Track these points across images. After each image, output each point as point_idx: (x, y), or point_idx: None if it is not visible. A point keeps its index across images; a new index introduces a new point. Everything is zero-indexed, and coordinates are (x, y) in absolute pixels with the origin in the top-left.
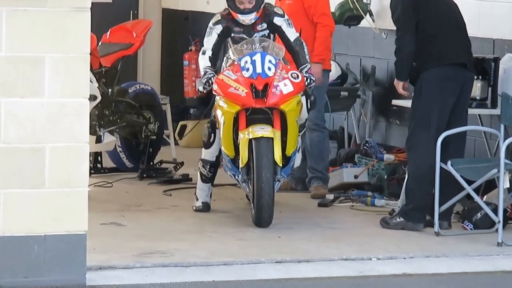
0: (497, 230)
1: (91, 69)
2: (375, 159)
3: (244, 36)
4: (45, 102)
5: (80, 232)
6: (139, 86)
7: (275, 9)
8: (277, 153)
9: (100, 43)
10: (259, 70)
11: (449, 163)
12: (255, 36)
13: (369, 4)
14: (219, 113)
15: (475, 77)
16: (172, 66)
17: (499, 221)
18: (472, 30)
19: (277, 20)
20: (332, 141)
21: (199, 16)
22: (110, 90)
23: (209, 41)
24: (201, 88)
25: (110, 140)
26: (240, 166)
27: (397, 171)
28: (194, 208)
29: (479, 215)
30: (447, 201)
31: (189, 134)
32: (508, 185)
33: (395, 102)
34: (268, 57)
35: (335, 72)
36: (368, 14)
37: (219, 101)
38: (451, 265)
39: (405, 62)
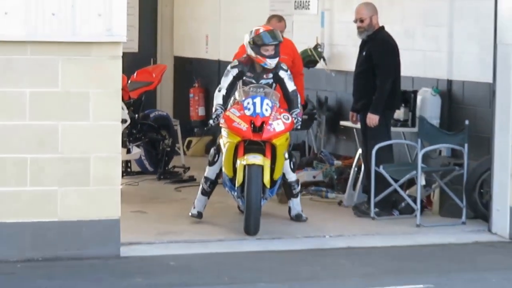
0: (416, 215)
1: (122, 100)
2: (328, 164)
3: (253, 81)
4: (90, 124)
5: (115, 218)
6: (158, 112)
7: (281, 65)
8: (266, 177)
9: (129, 81)
10: (258, 110)
11: (381, 167)
12: (261, 83)
13: (323, 51)
14: (223, 141)
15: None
16: (181, 98)
17: (417, 209)
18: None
19: (281, 73)
20: (296, 151)
21: (200, 61)
22: (136, 115)
23: (226, 81)
24: (211, 122)
25: (136, 152)
26: (236, 185)
27: (344, 173)
28: (190, 214)
29: (403, 204)
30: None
31: (193, 146)
32: (424, 183)
33: (342, 123)
34: (266, 101)
35: None
36: (322, 59)
37: (224, 132)
38: (383, 240)
39: (384, 101)
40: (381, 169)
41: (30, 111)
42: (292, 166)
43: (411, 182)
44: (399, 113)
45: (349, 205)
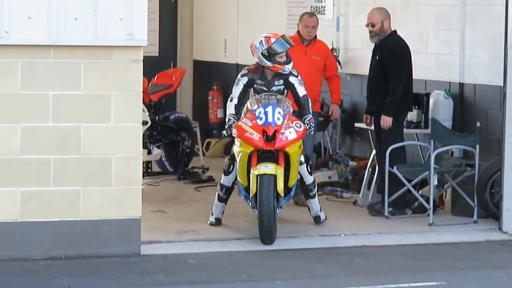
0: (428, 214)
1: (143, 103)
2: (343, 165)
3: (264, 88)
4: (111, 126)
5: (136, 217)
6: (178, 114)
7: (291, 71)
8: (279, 186)
9: (150, 84)
10: (270, 119)
11: (395, 167)
12: (272, 90)
13: (338, 55)
14: (237, 151)
15: (414, 106)
16: (201, 100)
17: (430, 208)
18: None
19: (292, 79)
20: (313, 153)
21: (219, 65)
22: (157, 117)
23: (237, 90)
24: (224, 133)
25: (157, 153)
26: (251, 195)
27: (359, 173)
28: (209, 222)
29: (416, 204)
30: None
31: (212, 148)
32: (436, 183)
33: (357, 125)
34: (278, 109)
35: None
36: (337, 63)
37: (237, 141)
38: (397, 239)
39: (396, 104)
40: (395, 170)
41: (53, 113)
42: (309, 169)
43: (424, 182)
44: (412, 115)
45: (364, 205)
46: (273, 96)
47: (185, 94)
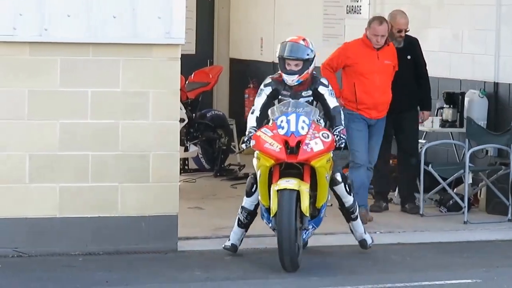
0: (463, 212)
1: (181, 100)
2: None
3: (290, 99)
4: (150, 123)
5: (173, 213)
6: (214, 112)
7: (321, 79)
8: (304, 204)
9: (187, 82)
10: (292, 128)
11: (430, 166)
12: (300, 101)
13: None
14: (256, 165)
15: (449, 105)
16: (237, 98)
17: (465, 206)
18: (447, 74)
19: (321, 89)
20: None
21: (255, 63)
22: (194, 115)
23: (259, 101)
24: (243, 146)
25: (194, 150)
26: (271, 216)
27: (394, 171)
28: (224, 246)
29: (450, 202)
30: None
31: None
32: (471, 181)
33: None
34: (302, 118)
35: None
36: None
37: (257, 154)
38: (431, 236)
39: None
40: (430, 168)
41: (91, 110)
42: (347, 189)
43: (459, 181)
44: (448, 114)
45: (399, 203)
46: (301, 108)
47: (222, 92)
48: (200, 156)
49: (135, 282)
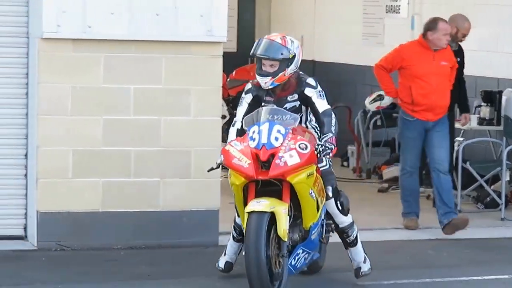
0: (500, 209)
1: (222, 97)
2: None
3: (275, 106)
4: (191, 119)
5: (215, 208)
6: None
7: (307, 80)
8: (280, 227)
9: (228, 79)
10: (264, 140)
11: (467, 163)
12: (286, 107)
13: None
14: (230, 183)
15: (486, 103)
16: None
17: (502, 203)
18: (485, 72)
19: (308, 91)
20: (387, 147)
21: None
22: (235, 112)
23: (240, 111)
24: (218, 161)
25: None
26: (245, 241)
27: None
28: (216, 265)
29: (488, 199)
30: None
31: None
32: (508, 178)
33: None
34: (277, 127)
35: (388, 100)
36: None
37: (229, 171)
38: (470, 233)
39: None
40: (467, 165)
41: (134, 106)
42: (340, 207)
43: (496, 178)
44: (485, 112)
45: None
46: (279, 116)
47: None
48: None
49: (176, 276)
